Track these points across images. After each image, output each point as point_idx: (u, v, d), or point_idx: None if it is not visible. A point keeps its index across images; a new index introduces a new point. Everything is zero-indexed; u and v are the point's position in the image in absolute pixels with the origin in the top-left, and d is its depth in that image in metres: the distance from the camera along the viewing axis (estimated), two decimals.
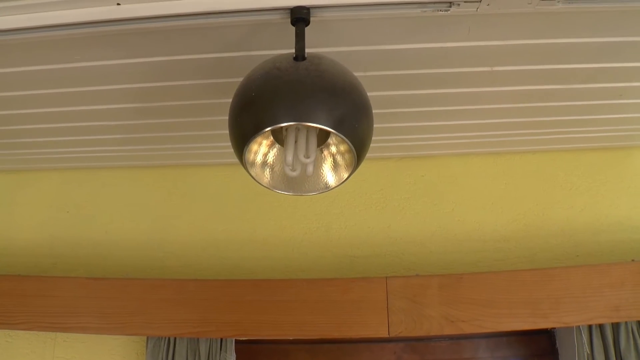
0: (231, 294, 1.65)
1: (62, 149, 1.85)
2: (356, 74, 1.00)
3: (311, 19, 1.02)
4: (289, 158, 0.90)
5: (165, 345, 1.68)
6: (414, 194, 1.93)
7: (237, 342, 1.68)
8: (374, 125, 1.00)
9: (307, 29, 1.01)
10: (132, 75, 1.33)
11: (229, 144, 0.98)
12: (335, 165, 1.00)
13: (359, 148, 0.90)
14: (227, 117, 0.97)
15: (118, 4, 1.05)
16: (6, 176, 2.12)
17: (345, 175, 0.98)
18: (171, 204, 2.00)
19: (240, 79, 0.98)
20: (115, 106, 1.50)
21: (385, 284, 1.61)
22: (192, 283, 1.68)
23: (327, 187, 1.01)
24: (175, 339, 1.67)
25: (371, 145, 0.99)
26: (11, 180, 2.12)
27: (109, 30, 1.09)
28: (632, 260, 1.66)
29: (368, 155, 0.99)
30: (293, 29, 1.00)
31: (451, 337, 1.79)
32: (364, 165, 1.89)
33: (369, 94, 0.98)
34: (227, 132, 0.98)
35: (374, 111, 1.00)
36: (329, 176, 1.01)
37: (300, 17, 0.99)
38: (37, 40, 1.13)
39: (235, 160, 0.99)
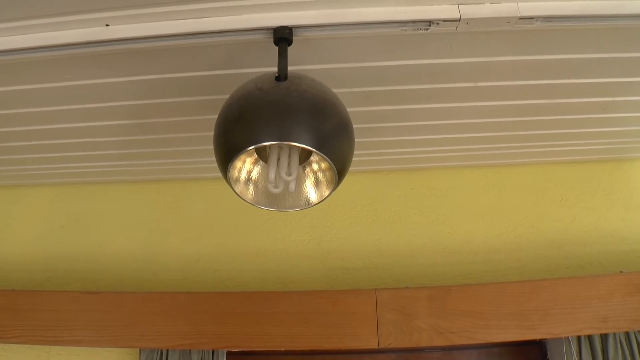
0: (223, 306, 1.66)
1: (56, 164, 1.88)
2: (340, 90, 1.03)
3: (294, 38, 1.05)
4: (272, 176, 0.93)
5: (158, 357, 1.69)
6: (404, 207, 1.95)
7: (229, 353, 1.69)
8: (361, 139, 1.02)
9: (290, 47, 1.03)
10: (122, 93, 1.35)
11: None
12: (317, 182, 1.02)
13: (339, 166, 0.92)
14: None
15: (107, 25, 1.08)
16: (0, 191, 2.14)
17: (327, 192, 0.99)
18: (164, 218, 2.01)
19: (226, 96, 1.00)
20: (106, 123, 1.52)
21: (375, 296, 1.62)
22: (184, 296, 1.70)
23: (308, 204, 1.03)
24: (167, 351, 1.68)
25: (359, 159, 1.01)
26: (5, 196, 2.14)
27: (99, 51, 1.12)
28: (621, 272, 1.67)
29: (357, 168, 1.01)
30: (276, 47, 1.03)
31: (443, 348, 1.80)
32: (354, 178, 1.93)
33: (355, 109, 1.01)
34: None
35: (359, 126, 1.02)
36: (311, 193, 1.03)
37: (282, 37, 1.02)
38: (30, 61, 1.16)
39: None
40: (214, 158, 1.76)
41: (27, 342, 1.71)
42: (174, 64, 1.21)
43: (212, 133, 1.54)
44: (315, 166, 1.03)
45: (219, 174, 1.94)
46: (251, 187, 1.03)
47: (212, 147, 1.67)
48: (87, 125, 1.54)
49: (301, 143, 0.86)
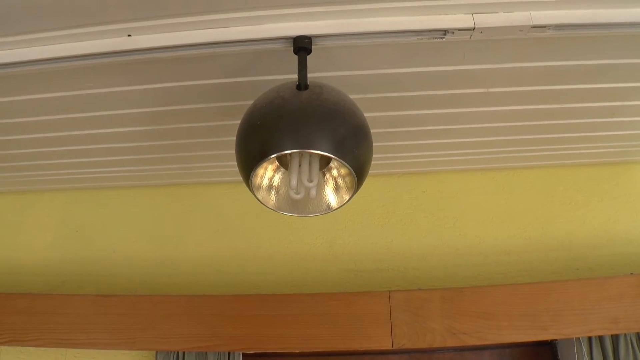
0: (238, 308, 1.69)
1: (72, 170, 1.91)
2: (357, 96, 1.05)
3: (313, 47, 1.07)
4: (293, 182, 0.95)
5: None
6: (415, 210, 1.97)
7: (244, 355, 1.72)
8: (375, 144, 1.05)
9: (309, 56, 1.06)
10: (141, 101, 1.38)
11: (234, 162, 1.03)
12: (337, 188, 1.05)
13: (358, 172, 0.94)
14: (232, 138, 1.02)
15: (129, 35, 1.11)
16: (17, 197, 2.18)
17: (347, 198, 1.02)
18: (178, 222, 2.04)
19: (245, 102, 1.04)
20: (123, 129, 1.55)
21: (389, 298, 1.65)
22: (199, 299, 1.72)
23: (329, 209, 1.05)
24: (184, 353, 1.71)
25: (374, 162, 1.03)
26: (22, 201, 2.17)
27: (121, 60, 1.15)
28: (631, 273, 1.69)
29: (371, 172, 1.03)
30: (295, 56, 1.06)
31: (455, 349, 1.82)
32: (367, 181, 1.94)
33: (370, 114, 1.03)
34: (232, 151, 1.02)
35: (375, 130, 1.05)
36: (331, 198, 1.05)
37: (302, 47, 1.04)
38: (52, 70, 1.19)
39: (240, 178, 1.04)
40: (229, 163, 1.82)
41: (44, 345, 1.74)
42: (193, 72, 1.24)
43: (227, 138, 1.59)
44: (335, 172, 1.05)
45: (233, 178, 2.01)
46: (273, 194, 1.05)
47: (226, 152, 1.72)
48: (104, 132, 1.58)
49: (322, 150, 0.89)
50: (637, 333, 1.61)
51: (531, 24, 1.04)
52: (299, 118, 0.90)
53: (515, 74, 1.30)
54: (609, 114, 1.56)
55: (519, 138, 1.71)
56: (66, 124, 1.52)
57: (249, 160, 0.93)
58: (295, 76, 1.00)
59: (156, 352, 1.76)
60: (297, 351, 1.70)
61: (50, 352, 1.88)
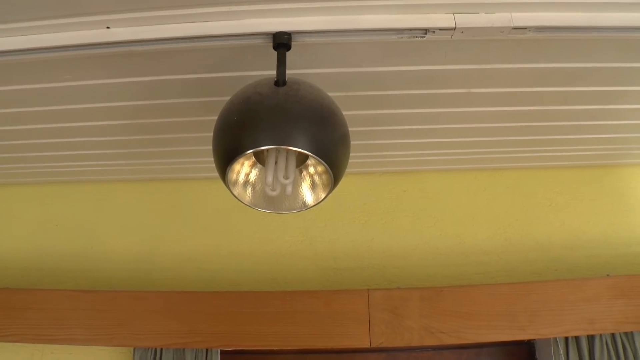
0: (217, 305, 1.68)
1: (51, 163, 1.88)
2: (337, 94, 1.05)
3: (292, 43, 1.07)
4: (269, 179, 0.95)
5: (152, 356, 1.70)
6: (396, 209, 1.97)
7: (222, 352, 1.71)
8: (356, 142, 1.05)
9: (289, 52, 1.05)
10: (120, 94, 1.37)
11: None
12: (313, 185, 1.05)
13: (335, 169, 0.94)
14: (211, 134, 1.01)
15: (108, 27, 1.09)
16: None
17: (323, 195, 1.02)
18: (158, 218, 2.03)
19: (225, 98, 1.02)
20: (103, 123, 1.53)
21: (367, 296, 1.65)
22: (178, 295, 1.71)
23: (305, 206, 1.05)
24: (161, 350, 1.69)
25: (353, 161, 1.03)
26: None
27: (99, 53, 1.14)
28: (607, 275, 1.71)
29: (351, 170, 1.03)
30: (275, 52, 1.05)
31: (433, 348, 1.83)
32: (347, 180, 1.95)
33: (350, 113, 1.03)
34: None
35: (356, 129, 1.05)
36: (307, 195, 1.05)
37: (281, 43, 1.04)
38: (29, 61, 1.17)
39: None
40: (209, 159, 1.79)
41: (20, 340, 1.72)
42: (173, 66, 1.23)
43: (208, 134, 1.57)
44: (311, 169, 1.05)
45: (213, 174, 1.98)
46: (249, 190, 1.05)
47: (207, 147, 1.69)
48: (83, 125, 1.56)
49: (298, 147, 0.88)
50: (612, 334, 1.63)
51: (512, 25, 1.04)
52: (276, 114, 0.89)
53: (496, 75, 1.31)
54: (589, 117, 1.57)
55: (500, 139, 1.71)
56: (44, 117, 1.50)
57: (225, 156, 0.93)
58: (274, 72, 0.99)
59: (134, 349, 1.75)
60: (275, 348, 1.70)
61: (27, 347, 1.86)
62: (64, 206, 2.09)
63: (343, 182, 1.02)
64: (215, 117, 1.02)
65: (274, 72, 1.00)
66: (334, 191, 1.03)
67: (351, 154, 1.04)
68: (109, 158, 1.83)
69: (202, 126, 1.54)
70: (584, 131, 1.69)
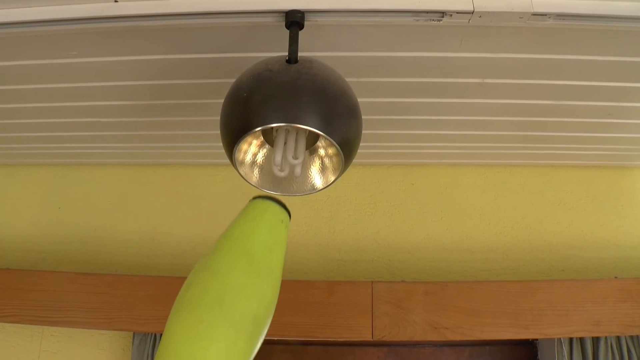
0: None
1: (55, 144, 1.86)
2: (348, 79, 1.02)
3: (305, 23, 1.04)
4: (278, 158, 0.92)
5: (152, 342, 1.69)
6: (403, 202, 1.95)
7: None
8: (365, 131, 1.02)
9: (300, 33, 1.03)
10: (128, 73, 1.34)
11: (221, 144, 1.00)
12: (323, 168, 1.02)
13: (346, 151, 0.91)
14: (218, 118, 0.99)
15: (115, 1, 1.07)
16: None
17: (332, 178, 0.99)
18: (161, 203, 2.01)
19: (234, 80, 1.00)
20: (109, 103, 1.51)
21: (371, 288, 1.62)
22: (179, 281, 1.65)
23: (313, 189, 1.02)
24: (161, 335, 1.67)
25: (362, 151, 1.00)
26: (1, 175, 2.12)
27: (106, 27, 1.11)
28: (615, 277, 1.69)
29: (359, 161, 1.01)
30: (287, 32, 1.02)
31: (434, 344, 1.81)
32: (355, 170, 1.92)
33: (360, 99, 1.00)
34: (219, 132, 0.99)
35: (365, 117, 1.02)
36: (316, 178, 1.02)
37: (294, 21, 1.01)
38: (34, 35, 1.14)
39: (227, 161, 1.01)
40: (215, 143, 1.78)
41: (21, 321, 1.71)
42: (181, 45, 1.20)
43: (214, 117, 1.55)
44: (322, 152, 1.02)
45: (218, 160, 1.98)
46: (256, 170, 1.02)
47: (214, 132, 1.68)
48: (89, 105, 1.53)
49: (309, 126, 0.86)
50: (618, 337, 1.60)
51: (532, 11, 1.01)
52: (287, 91, 0.87)
53: (512, 66, 1.28)
54: (604, 115, 1.54)
55: (512, 134, 1.68)
56: (49, 95, 1.47)
57: (233, 133, 0.90)
58: (286, 53, 0.97)
59: (134, 333, 1.73)
60: (275, 338, 1.68)
61: (26, 329, 1.85)
62: (67, 188, 2.07)
63: (350, 173, 1.00)
64: (222, 101, 0.99)
65: (284, 54, 0.97)
66: (340, 182, 1.00)
67: (359, 144, 1.02)
68: (113, 140, 1.81)
69: (208, 109, 1.51)
70: (597, 129, 1.66)
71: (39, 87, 1.43)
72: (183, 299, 0.77)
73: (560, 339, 1.61)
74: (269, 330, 1.59)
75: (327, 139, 0.87)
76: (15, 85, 1.42)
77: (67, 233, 2.00)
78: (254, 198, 0.88)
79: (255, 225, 0.84)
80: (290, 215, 0.89)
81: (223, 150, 1.00)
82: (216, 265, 0.79)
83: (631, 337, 1.61)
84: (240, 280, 0.77)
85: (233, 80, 1.00)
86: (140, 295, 1.68)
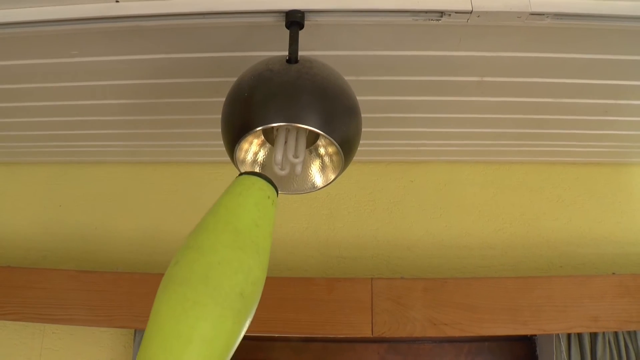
0: None
1: (56, 142, 1.87)
2: (348, 78, 1.03)
3: (305, 22, 1.05)
4: (279, 157, 0.93)
5: None
6: (402, 199, 1.96)
7: None
8: (364, 129, 1.03)
9: (300, 33, 1.04)
10: (129, 72, 1.35)
11: (220, 142, 1.00)
12: (323, 167, 1.03)
13: (346, 150, 0.92)
14: (218, 116, 1.00)
15: (117, 1, 1.07)
16: None
17: (332, 177, 1.00)
18: (162, 200, 2.02)
19: (234, 79, 1.01)
20: (110, 102, 1.52)
21: (371, 285, 1.64)
22: None
23: (314, 187, 1.03)
24: None
25: (361, 148, 1.01)
26: (3, 173, 2.13)
27: (108, 27, 1.12)
28: (613, 273, 1.70)
29: (358, 158, 1.02)
30: (287, 31, 1.03)
31: (434, 340, 1.82)
32: (354, 168, 1.94)
33: (360, 98, 1.01)
34: (219, 130, 1.00)
35: (364, 115, 1.02)
36: (317, 177, 1.03)
37: (294, 21, 1.02)
38: (35, 35, 1.15)
39: (226, 159, 1.02)
40: (214, 142, 1.80)
41: (22, 319, 1.71)
42: (182, 44, 1.21)
43: (213, 116, 1.57)
44: (322, 150, 1.03)
45: (217, 159, 1.99)
46: (257, 169, 1.03)
47: (213, 130, 1.69)
48: (90, 104, 1.54)
49: (310, 125, 0.86)
50: (615, 332, 1.62)
51: (530, 10, 1.02)
52: (288, 91, 0.88)
53: (510, 64, 1.29)
54: (602, 112, 1.55)
55: (510, 131, 1.70)
56: (51, 94, 1.48)
57: (234, 133, 0.91)
58: (286, 53, 0.98)
59: (135, 331, 1.74)
60: (276, 335, 1.69)
61: (28, 327, 1.86)
62: (68, 187, 2.08)
63: (349, 170, 1.01)
64: (223, 99, 1.00)
65: (284, 53, 0.98)
66: (340, 179, 1.01)
67: (359, 143, 1.03)
68: (114, 139, 1.82)
69: (209, 108, 1.52)
70: (595, 127, 1.67)
71: (41, 86, 1.43)
72: (169, 277, 0.75)
73: (558, 334, 1.62)
74: (269, 327, 1.61)
75: (328, 138, 0.88)
76: (17, 85, 1.43)
77: (68, 231, 2.01)
78: (240, 174, 0.87)
79: (242, 200, 0.82)
80: (277, 192, 0.87)
81: (223, 149, 1.01)
82: (201, 241, 0.77)
83: (628, 332, 1.62)
84: (225, 255, 0.75)
85: (233, 79, 1.01)
86: (141, 293, 1.69)
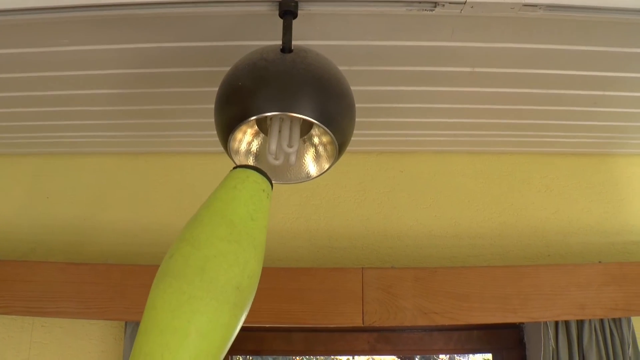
0: None
1: (44, 133, 1.84)
2: (340, 67, 1.03)
3: (299, 12, 1.04)
4: (273, 147, 0.93)
5: None
6: (392, 189, 1.97)
7: None
8: (356, 119, 1.03)
9: (294, 22, 1.03)
10: (119, 61, 1.34)
11: (212, 132, 1.00)
12: (317, 156, 1.03)
13: (340, 140, 0.92)
14: (211, 106, 0.99)
15: None
16: None
17: (327, 166, 1.01)
18: (152, 191, 2.00)
19: (226, 69, 1.00)
20: (100, 91, 1.50)
21: (362, 275, 1.65)
22: None
23: (308, 177, 1.04)
24: None
25: (353, 138, 1.02)
26: None
27: (97, 15, 1.10)
28: (599, 262, 1.73)
29: (349, 148, 1.02)
30: (281, 21, 1.03)
31: (424, 329, 1.84)
32: (345, 158, 1.92)
33: (352, 88, 1.01)
34: (211, 120, 0.99)
35: (356, 105, 1.03)
36: (311, 166, 1.04)
37: (288, 10, 1.01)
38: (24, 23, 1.13)
39: (218, 149, 1.01)
40: (206, 132, 1.79)
41: (11, 312, 1.69)
42: (174, 34, 1.20)
43: (207, 106, 1.55)
44: (316, 140, 1.03)
45: (209, 149, 1.98)
46: (251, 159, 1.03)
47: (205, 120, 1.68)
48: (80, 93, 1.52)
49: (304, 115, 0.87)
50: (601, 320, 1.65)
51: (523, 2, 1.03)
52: (282, 80, 0.88)
53: (502, 55, 1.29)
54: (590, 103, 1.57)
55: (500, 122, 1.71)
56: (40, 83, 1.46)
57: (227, 123, 0.91)
58: (279, 42, 0.97)
59: (125, 323, 1.74)
60: (267, 325, 1.69)
61: (16, 320, 1.84)
62: (56, 178, 2.05)
63: (340, 160, 1.01)
64: (215, 89, 1.00)
65: (278, 43, 0.98)
66: (330, 170, 1.02)
67: (353, 132, 1.03)
68: (103, 129, 1.80)
69: (200, 98, 1.51)
70: (583, 117, 1.68)
71: (30, 76, 1.41)
72: (164, 271, 0.75)
73: (546, 322, 1.65)
74: (259, 317, 1.61)
75: (322, 128, 0.88)
76: (5, 74, 1.41)
77: (56, 223, 1.99)
78: (235, 167, 0.86)
79: (236, 193, 0.82)
80: (272, 185, 0.87)
81: (215, 139, 1.00)
82: (196, 234, 0.77)
83: (614, 319, 1.65)
84: (220, 249, 0.75)
85: (225, 69, 1.01)
86: (132, 284, 1.68)
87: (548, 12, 1.06)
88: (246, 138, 1.03)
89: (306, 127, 1.02)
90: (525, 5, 1.03)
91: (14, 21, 1.11)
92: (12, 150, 2.05)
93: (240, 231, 0.78)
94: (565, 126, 1.75)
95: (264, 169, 0.87)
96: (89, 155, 2.06)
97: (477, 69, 1.35)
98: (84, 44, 1.25)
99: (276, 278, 1.66)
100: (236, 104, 0.90)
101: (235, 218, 0.79)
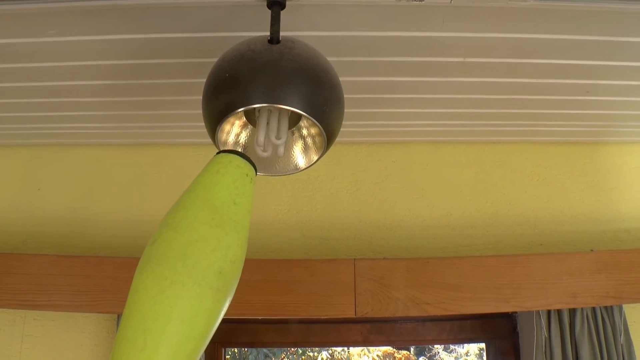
0: None
1: (34, 124, 1.83)
2: (330, 58, 1.02)
3: (287, 3, 1.03)
4: (261, 139, 0.92)
5: None
6: (384, 179, 1.97)
7: None
8: (346, 110, 1.02)
9: (282, 13, 1.02)
10: (106, 52, 1.32)
11: (202, 123, 0.99)
12: (306, 148, 1.03)
13: (329, 131, 0.92)
14: (199, 97, 0.99)
15: None
16: None
17: (315, 158, 1.00)
18: (143, 183, 1.99)
19: (214, 59, 0.99)
20: (89, 83, 1.49)
21: (354, 266, 1.65)
22: None
23: (297, 169, 1.03)
24: None
25: (343, 129, 1.01)
26: None
27: (85, 6, 1.09)
28: (591, 250, 1.73)
29: (340, 139, 1.02)
30: (269, 11, 1.02)
31: (416, 319, 1.85)
32: (336, 149, 1.93)
33: (342, 79, 1.01)
34: (200, 112, 0.99)
35: (347, 96, 1.02)
36: (299, 158, 1.03)
37: (276, 1, 1.00)
38: (10, 13, 1.12)
39: (208, 140, 1.01)
40: (196, 123, 1.77)
41: (2, 306, 1.68)
42: (162, 24, 1.19)
43: (197, 97, 1.54)
44: (304, 131, 1.03)
45: (200, 140, 1.97)
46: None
47: (195, 111, 1.66)
48: (68, 85, 1.51)
49: (292, 106, 0.86)
50: (593, 308, 1.66)
51: None
52: (270, 72, 0.87)
53: (493, 45, 1.29)
54: (582, 92, 1.56)
55: (492, 112, 1.70)
56: (27, 74, 1.44)
57: (215, 114, 0.90)
58: (267, 33, 0.96)
59: (118, 316, 1.73)
60: (260, 317, 1.69)
61: (8, 313, 1.83)
62: (47, 170, 2.04)
63: (331, 151, 1.01)
64: (204, 80, 0.99)
65: (266, 34, 0.97)
66: (321, 160, 1.01)
67: (342, 124, 1.02)
68: (93, 120, 1.78)
69: (190, 89, 1.50)
70: (575, 106, 1.68)
71: (16, 67, 1.39)
72: (146, 257, 0.75)
73: (538, 311, 1.65)
74: (252, 309, 1.61)
75: (310, 119, 0.87)
76: None
77: (47, 215, 1.97)
78: (218, 152, 0.86)
79: (219, 177, 0.81)
80: (256, 171, 0.86)
81: (204, 130, 0.99)
82: (178, 219, 0.77)
83: (605, 307, 1.66)
84: (202, 233, 0.75)
85: (214, 60, 1.00)
86: (124, 277, 1.64)
87: (538, 2, 1.06)
88: (234, 130, 1.03)
89: (295, 119, 1.02)
90: None
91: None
92: (1, 141, 2.04)
93: (223, 215, 0.77)
94: (557, 115, 1.75)
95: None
96: (79, 146, 2.05)
97: (468, 59, 1.35)
98: (71, 35, 1.24)
99: (268, 270, 1.66)
100: (223, 95, 0.89)
101: (218, 202, 0.79)
